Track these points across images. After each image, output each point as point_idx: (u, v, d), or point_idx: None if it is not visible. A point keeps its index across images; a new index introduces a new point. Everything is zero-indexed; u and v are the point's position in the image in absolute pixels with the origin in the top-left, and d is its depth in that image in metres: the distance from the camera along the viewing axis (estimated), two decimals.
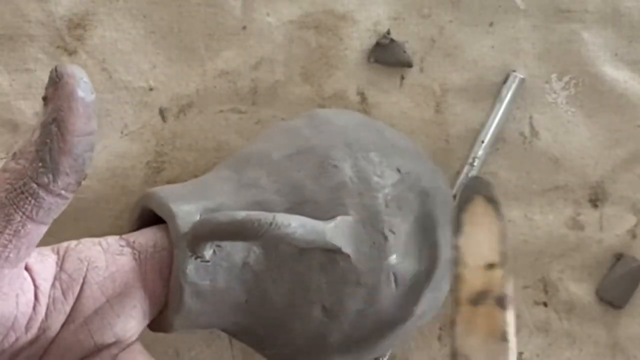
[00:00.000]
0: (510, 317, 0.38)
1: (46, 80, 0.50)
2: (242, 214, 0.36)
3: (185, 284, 0.38)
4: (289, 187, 0.41)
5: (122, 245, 0.39)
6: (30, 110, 0.50)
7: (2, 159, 0.50)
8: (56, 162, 0.32)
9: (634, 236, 0.52)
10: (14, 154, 0.32)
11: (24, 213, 0.32)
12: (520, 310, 0.52)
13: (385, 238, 0.41)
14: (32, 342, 0.35)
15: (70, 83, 0.33)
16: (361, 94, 0.51)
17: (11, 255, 0.32)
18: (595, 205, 0.52)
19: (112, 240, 0.39)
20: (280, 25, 0.51)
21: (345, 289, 0.40)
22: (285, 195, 0.41)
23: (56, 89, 0.33)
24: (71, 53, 0.51)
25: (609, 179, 0.52)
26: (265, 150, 0.43)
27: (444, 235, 0.44)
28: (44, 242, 0.51)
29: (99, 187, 0.50)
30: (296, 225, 0.37)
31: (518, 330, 0.52)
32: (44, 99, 0.33)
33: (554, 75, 0.52)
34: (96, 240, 0.39)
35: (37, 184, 0.32)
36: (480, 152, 0.51)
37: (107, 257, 0.38)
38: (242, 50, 0.51)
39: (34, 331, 0.35)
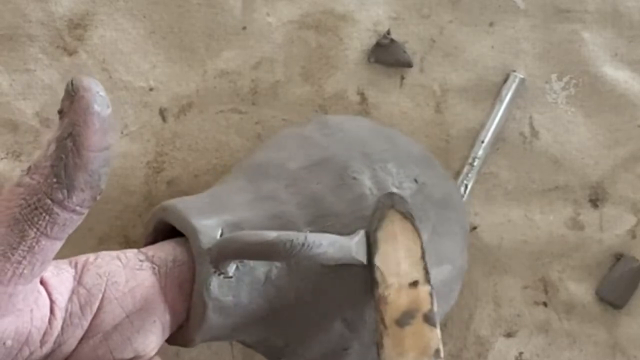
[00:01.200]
0: (439, 333, 0.37)
1: (46, 80, 0.50)
2: (272, 235, 0.36)
3: (208, 300, 0.38)
4: (308, 200, 0.41)
5: (141, 260, 0.39)
6: (30, 110, 0.50)
7: (2, 159, 0.50)
8: (71, 178, 0.31)
9: (634, 236, 0.52)
10: (29, 168, 0.32)
11: (38, 229, 0.31)
12: (520, 310, 0.52)
13: None
14: (47, 356, 0.34)
15: (86, 97, 0.32)
16: (361, 94, 0.51)
17: (25, 271, 0.31)
18: (595, 205, 0.52)
19: (131, 255, 0.39)
20: (280, 25, 0.51)
21: (367, 301, 0.40)
22: (305, 207, 0.41)
23: (72, 102, 0.32)
24: (71, 53, 0.51)
25: (609, 179, 0.52)
26: (280, 160, 0.43)
27: (458, 243, 0.44)
28: None
29: None
30: (326, 244, 0.37)
31: (518, 330, 0.52)
32: (60, 112, 0.32)
33: (554, 75, 0.52)
34: (114, 254, 0.38)
35: (51, 200, 0.31)
36: (480, 152, 0.51)
37: (127, 272, 0.37)
38: (242, 50, 0.51)
39: (49, 345, 0.34)
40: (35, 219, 0.31)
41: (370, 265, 0.38)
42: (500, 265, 0.51)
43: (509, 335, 0.52)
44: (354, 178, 0.41)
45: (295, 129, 0.46)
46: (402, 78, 0.52)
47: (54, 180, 0.31)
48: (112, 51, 0.51)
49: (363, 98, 0.51)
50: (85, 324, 0.35)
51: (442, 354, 0.37)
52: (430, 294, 0.38)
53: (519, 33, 0.52)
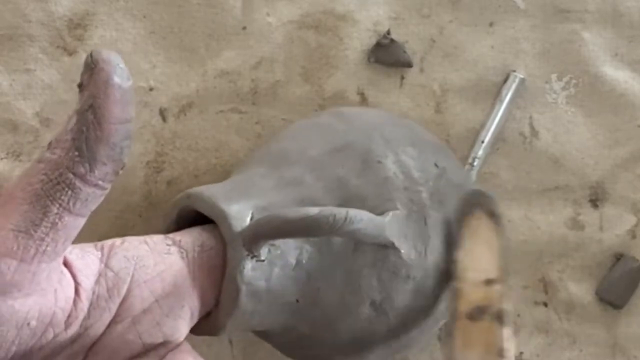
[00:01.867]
0: (508, 333, 0.37)
1: (46, 80, 0.50)
2: (315, 210, 0.36)
3: (242, 284, 0.37)
4: (334, 184, 0.41)
5: (168, 245, 0.38)
6: (30, 110, 0.50)
7: (2, 159, 0.50)
8: (93, 151, 0.31)
9: (634, 236, 0.52)
10: (50, 143, 0.31)
11: (60, 205, 0.31)
12: (520, 310, 0.52)
13: (431, 231, 0.41)
14: (73, 340, 0.34)
15: (106, 69, 0.31)
16: (361, 94, 0.51)
17: (48, 248, 0.31)
18: (595, 205, 0.52)
19: (158, 239, 0.38)
20: (280, 25, 0.51)
21: (396, 284, 0.41)
22: (331, 191, 0.41)
23: (91, 75, 0.31)
24: (71, 53, 0.51)
25: (609, 179, 0.52)
26: (300, 147, 0.43)
27: None
28: None
29: None
30: (366, 219, 0.37)
31: (518, 330, 0.52)
32: (79, 86, 0.32)
33: (554, 75, 0.52)
34: (141, 238, 0.38)
35: (73, 174, 0.31)
36: (480, 152, 0.51)
37: (155, 256, 0.37)
38: (242, 50, 0.51)
39: (74, 328, 0.33)
40: (58, 194, 0.31)
41: (450, 259, 0.39)
42: None
43: None
44: (379, 162, 0.42)
45: (309, 120, 0.46)
46: (402, 78, 0.52)
47: (76, 153, 0.31)
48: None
49: (363, 98, 0.51)
50: (114, 308, 0.35)
51: (506, 354, 0.37)
52: (503, 294, 0.38)
53: (519, 33, 0.52)
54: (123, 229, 0.51)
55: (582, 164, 0.52)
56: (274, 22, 0.51)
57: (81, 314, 0.34)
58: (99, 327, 0.34)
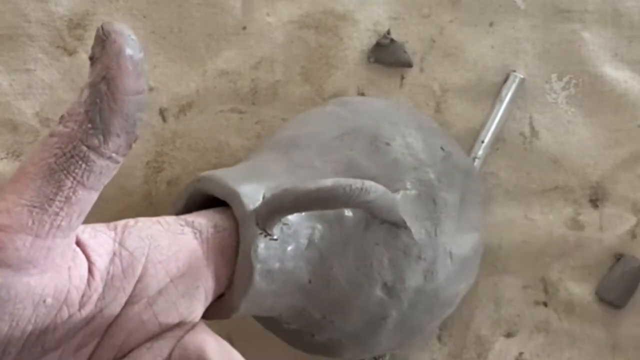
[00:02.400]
0: None
1: (46, 80, 0.50)
2: (330, 181, 0.36)
3: (256, 262, 0.37)
4: (344, 166, 0.41)
5: (182, 225, 0.38)
6: (30, 110, 0.50)
7: (2, 159, 0.50)
8: (107, 123, 0.30)
9: (634, 236, 0.52)
10: (62, 117, 0.31)
11: (74, 178, 0.30)
12: (520, 310, 0.52)
13: (440, 213, 0.42)
14: (88, 321, 0.33)
15: (119, 41, 0.31)
16: (361, 94, 0.51)
17: (63, 223, 0.30)
18: (595, 205, 0.52)
19: (171, 220, 0.38)
20: (280, 25, 0.51)
21: (407, 264, 0.41)
22: (341, 173, 0.41)
23: (104, 47, 0.31)
24: (71, 53, 0.51)
25: (609, 179, 0.52)
26: (309, 133, 0.43)
27: (481, 212, 0.45)
28: None
29: None
30: (381, 191, 0.37)
31: (518, 330, 0.52)
32: (91, 58, 0.31)
33: (554, 75, 0.52)
34: (154, 219, 0.37)
35: (87, 146, 0.30)
36: (480, 152, 0.51)
37: (169, 236, 0.36)
38: (242, 50, 0.51)
39: (89, 308, 0.33)
40: (72, 167, 0.30)
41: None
42: (500, 265, 0.51)
43: (509, 335, 0.52)
44: (387, 144, 0.42)
45: (314, 110, 0.47)
46: (402, 78, 0.52)
47: (89, 125, 0.30)
48: None
49: None
50: (129, 288, 0.34)
51: None
52: None
53: (519, 33, 0.52)
54: None
55: (582, 164, 0.52)
56: (274, 22, 0.51)
57: (95, 294, 0.33)
58: (114, 307, 0.34)
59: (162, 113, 0.51)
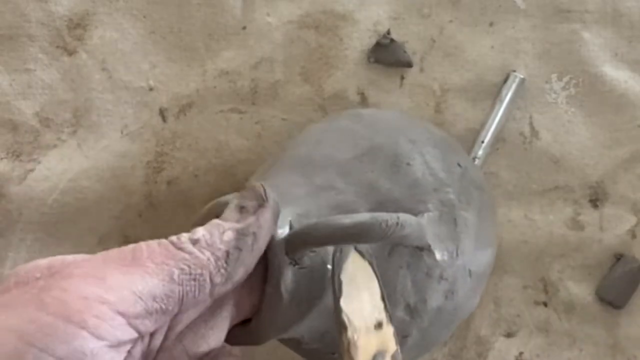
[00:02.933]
0: None
1: (46, 80, 0.50)
2: (367, 216, 0.36)
3: (285, 293, 0.37)
4: (366, 188, 0.41)
5: None
6: (30, 110, 0.50)
7: (2, 159, 0.50)
8: (236, 271, 0.33)
9: (634, 236, 0.52)
10: (198, 240, 0.33)
11: (184, 296, 0.32)
12: (520, 310, 0.52)
13: (461, 232, 0.42)
14: None
15: (275, 209, 0.35)
16: (361, 94, 0.51)
17: (150, 322, 0.32)
18: (595, 205, 0.52)
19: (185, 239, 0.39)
20: (280, 25, 0.51)
21: (430, 285, 0.41)
22: (364, 196, 0.41)
23: (263, 207, 0.35)
24: (71, 53, 0.51)
25: (609, 179, 0.52)
26: (326, 152, 0.43)
27: (495, 225, 0.45)
28: (45, 244, 0.51)
29: (99, 187, 0.50)
30: (415, 224, 0.37)
31: (518, 330, 0.52)
32: (242, 207, 0.35)
33: (554, 75, 0.52)
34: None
35: (211, 280, 0.32)
36: (480, 152, 0.51)
37: None
38: (242, 50, 0.51)
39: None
40: (187, 288, 0.32)
41: (336, 309, 0.38)
42: (500, 265, 0.51)
43: (509, 335, 0.52)
44: (408, 164, 0.42)
45: (326, 124, 0.46)
46: (402, 78, 0.52)
47: (225, 266, 0.33)
48: (112, 51, 0.51)
49: (363, 98, 0.51)
50: (165, 330, 0.35)
51: None
52: (394, 335, 0.38)
53: (519, 33, 0.52)
54: (123, 229, 0.51)
55: (582, 164, 0.52)
56: (274, 22, 0.51)
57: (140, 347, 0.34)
58: (153, 348, 0.35)
59: (162, 113, 0.51)
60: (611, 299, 0.51)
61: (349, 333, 0.37)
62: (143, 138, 0.51)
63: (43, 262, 0.32)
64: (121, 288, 0.30)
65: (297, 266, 0.37)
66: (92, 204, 0.50)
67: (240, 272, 0.33)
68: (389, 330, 0.38)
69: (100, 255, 0.32)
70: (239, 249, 0.33)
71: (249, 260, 0.34)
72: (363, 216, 0.36)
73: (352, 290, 0.38)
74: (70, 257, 0.32)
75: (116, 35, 0.51)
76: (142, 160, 0.51)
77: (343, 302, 0.38)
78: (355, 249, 0.39)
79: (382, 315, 0.38)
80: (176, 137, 0.51)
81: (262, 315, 0.38)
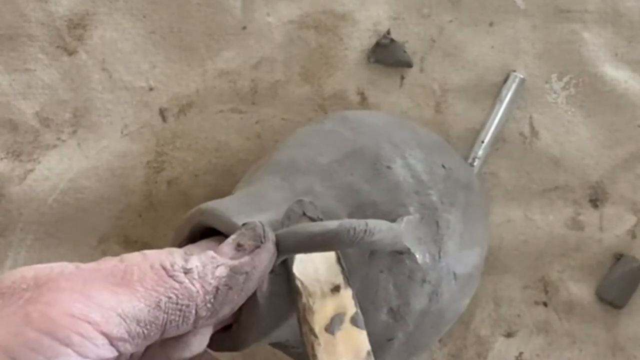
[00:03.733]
0: (366, 335, 0.37)
1: (46, 80, 0.50)
2: (334, 224, 0.36)
3: (261, 299, 0.37)
4: (345, 192, 0.41)
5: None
6: (30, 110, 0.50)
7: (2, 159, 0.50)
8: (222, 308, 0.33)
9: (634, 236, 0.52)
10: (190, 269, 0.32)
11: (167, 324, 0.32)
12: (520, 310, 0.52)
13: (443, 234, 0.42)
14: None
15: (272, 250, 0.35)
16: (361, 94, 0.51)
17: (131, 346, 0.31)
18: (595, 205, 0.52)
19: (179, 256, 0.38)
20: (280, 25, 0.51)
21: (412, 288, 0.41)
22: (343, 199, 0.41)
23: (259, 248, 0.35)
24: (71, 53, 0.51)
25: (609, 179, 0.52)
26: (309, 155, 0.43)
27: (484, 226, 0.45)
28: (45, 244, 0.51)
29: (99, 187, 0.50)
30: (385, 229, 0.37)
31: (518, 330, 0.52)
32: (239, 245, 0.34)
33: (554, 75, 0.52)
34: (163, 256, 0.37)
35: (196, 312, 0.32)
36: (480, 152, 0.51)
37: None
38: (242, 50, 0.51)
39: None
40: (172, 317, 0.32)
41: (289, 275, 0.38)
42: (500, 265, 0.51)
43: (509, 335, 0.52)
44: (388, 167, 0.42)
45: (313, 127, 0.46)
46: (402, 78, 0.52)
47: (212, 301, 0.33)
48: (112, 51, 0.51)
49: (363, 98, 0.51)
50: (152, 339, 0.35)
51: (372, 355, 0.36)
52: (353, 297, 0.38)
53: (519, 33, 0.51)
54: (123, 229, 0.51)
55: (582, 164, 0.52)
56: (274, 22, 0.51)
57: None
58: (137, 355, 0.35)
59: (162, 113, 0.51)
60: (611, 299, 0.51)
61: (304, 298, 0.37)
62: (143, 138, 0.51)
63: (29, 272, 0.32)
64: (107, 308, 0.30)
65: (272, 273, 0.37)
66: (92, 204, 0.50)
67: (226, 310, 0.33)
68: (346, 293, 0.38)
69: (92, 267, 0.32)
70: (228, 286, 0.33)
71: (237, 299, 0.34)
72: (331, 224, 0.36)
73: (305, 256, 0.38)
74: (57, 268, 0.32)
75: (116, 35, 0.51)
76: (142, 160, 0.51)
77: (295, 268, 0.38)
78: (307, 215, 0.39)
79: (339, 279, 0.38)
80: (176, 137, 0.51)
81: (241, 322, 0.38)
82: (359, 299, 0.40)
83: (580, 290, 0.52)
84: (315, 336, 0.36)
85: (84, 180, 0.50)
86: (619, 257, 0.51)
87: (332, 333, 0.37)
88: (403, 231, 0.40)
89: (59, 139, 0.51)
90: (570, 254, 0.52)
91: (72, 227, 0.50)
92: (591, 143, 0.52)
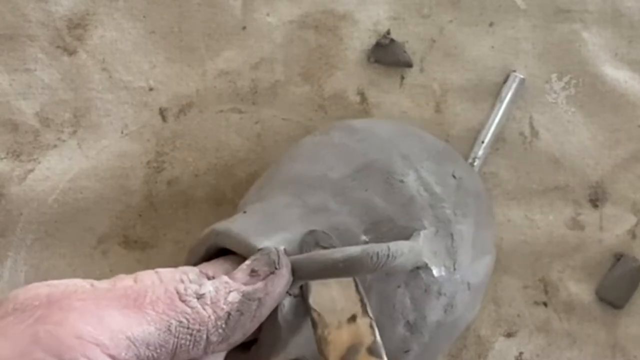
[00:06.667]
0: None
1: (46, 80, 0.50)
2: (357, 249, 0.36)
3: (282, 322, 0.37)
4: (360, 208, 0.41)
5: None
6: (30, 110, 0.50)
7: (2, 159, 0.50)
8: (233, 334, 0.33)
9: (634, 236, 0.52)
10: (203, 294, 0.32)
11: (177, 348, 0.32)
12: (520, 310, 0.52)
13: (458, 247, 0.41)
14: None
15: (287, 277, 0.35)
16: (361, 94, 0.51)
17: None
18: (595, 205, 0.52)
19: (193, 276, 0.38)
20: (280, 25, 0.51)
21: (428, 301, 0.41)
22: (359, 216, 0.40)
23: (273, 274, 0.34)
24: (71, 53, 0.51)
25: (609, 179, 0.52)
26: (319, 171, 0.42)
27: (493, 232, 0.45)
28: (45, 244, 0.51)
29: (99, 187, 0.50)
30: (407, 251, 0.37)
31: (518, 330, 0.52)
32: (253, 271, 0.34)
33: (554, 75, 0.52)
34: (177, 276, 0.36)
35: (207, 338, 0.32)
36: (480, 152, 0.51)
37: None
38: (242, 50, 0.51)
39: None
40: (183, 341, 0.32)
41: (306, 307, 0.38)
42: (500, 266, 0.51)
43: (509, 335, 0.52)
44: (401, 181, 0.42)
45: (320, 138, 0.45)
46: (402, 78, 0.52)
47: (223, 326, 0.32)
48: (112, 51, 0.51)
49: (363, 98, 0.51)
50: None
51: None
52: (371, 326, 0.37)
53: (519, 33, 0.52)
54: (123, 229, 0.51)
55: (582, 164, 0.52)
56: (274, 22, 0.51)
57: None
58: None
59: (162, 113, 0.51)
60: (611, 299, 0.51)
61: (319, 330, 0.37)
62: (143, 138, 0.51)
63: (44, 289, 0.32)
64: (116, 331, 0.30)
65: (291, 296, 0.37)
66: (92, 204, 0.50)
67: (238, 335, 0.33)
68: (363, 321, 0.37)
69: (106, 286, 0.32)
70: (240, 312, 0.33)
71: (250, 325, 0.33)
72: (354, 249, 0.36)
73: (322, 287, 0.38)
74: (72, 286, 0.32)
75: (116, 35, 0.51)
76: (142, 160, 0.51)
77: (312, 300, 0.38)
78: (320, 245, 0.39)
79: (357, 308, 0.38)
80: (176, 137, 0.51)
81: (261, 345, 0.38)
82: (377, 314, 0.39)
83: (580, 290, 0.52)
84: None
85: (84, 180, 0.50)
86: (619, 257, 0.51)
87: None
88: (422, 249, 0.39)
89: (59, 139, 0.51)
90: (570, 254, 0.52)
91: (72, 227, 0.50)
92: (591, 143, 0.52)
